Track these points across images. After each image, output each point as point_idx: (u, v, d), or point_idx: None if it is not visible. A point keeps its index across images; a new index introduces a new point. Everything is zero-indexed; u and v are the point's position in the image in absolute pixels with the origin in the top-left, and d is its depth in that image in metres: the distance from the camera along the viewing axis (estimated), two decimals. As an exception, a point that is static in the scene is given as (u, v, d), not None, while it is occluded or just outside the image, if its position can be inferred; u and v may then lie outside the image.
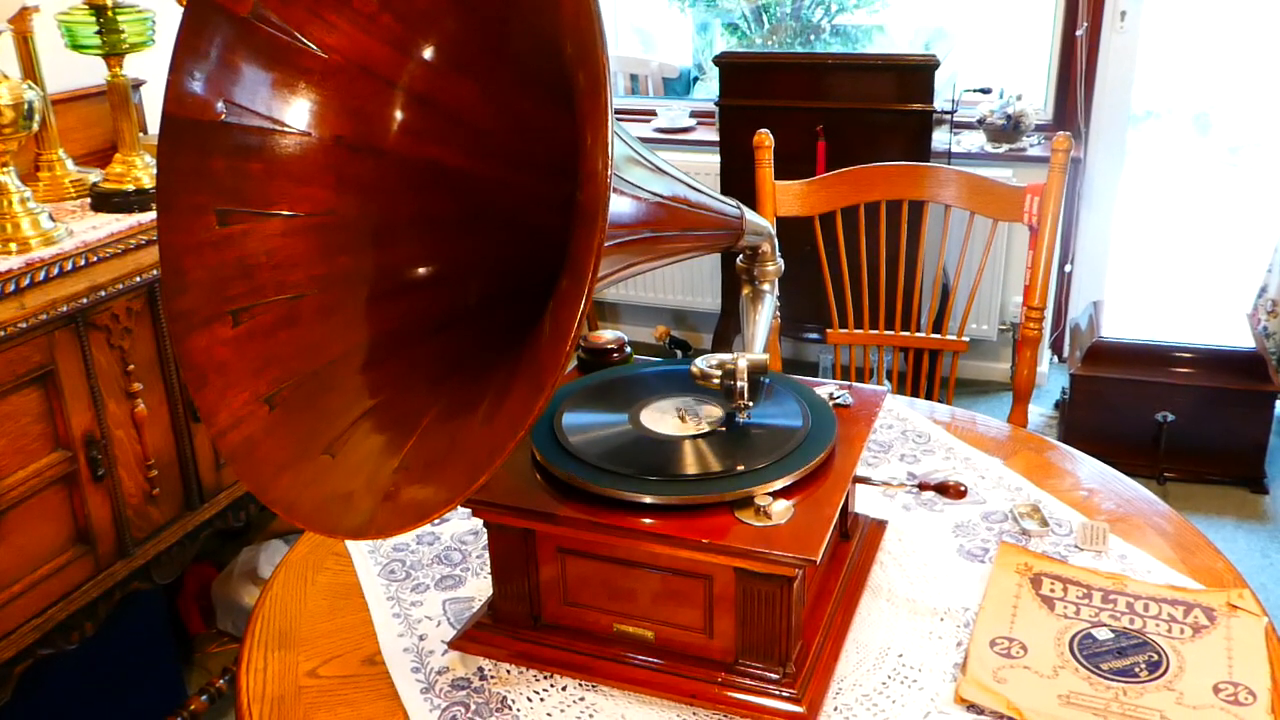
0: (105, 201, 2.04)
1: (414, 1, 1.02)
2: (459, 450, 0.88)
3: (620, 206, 0.95)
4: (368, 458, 0.96)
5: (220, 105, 1.02)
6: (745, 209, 1.22)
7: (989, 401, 3.64)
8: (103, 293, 1.78)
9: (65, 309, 1.71)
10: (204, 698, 2.24)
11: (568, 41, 0.83)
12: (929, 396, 1.97)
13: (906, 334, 2.04)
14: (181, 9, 1.02)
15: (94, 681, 2.11)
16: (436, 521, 1.38)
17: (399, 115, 1.08)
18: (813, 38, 4.39)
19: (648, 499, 1.02)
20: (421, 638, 1.18)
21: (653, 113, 4.11)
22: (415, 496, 0.88)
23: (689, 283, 3.98)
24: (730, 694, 1.04)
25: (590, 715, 1.05)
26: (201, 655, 2.48)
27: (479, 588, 1.26)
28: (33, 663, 1.76)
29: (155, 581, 1.98)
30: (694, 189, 1.11)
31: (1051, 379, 3.74)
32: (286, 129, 1.04)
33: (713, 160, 3.51)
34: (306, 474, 0.96)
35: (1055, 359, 3.85)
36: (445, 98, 1.08)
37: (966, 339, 1.99)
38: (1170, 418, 3.04)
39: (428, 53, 1.05)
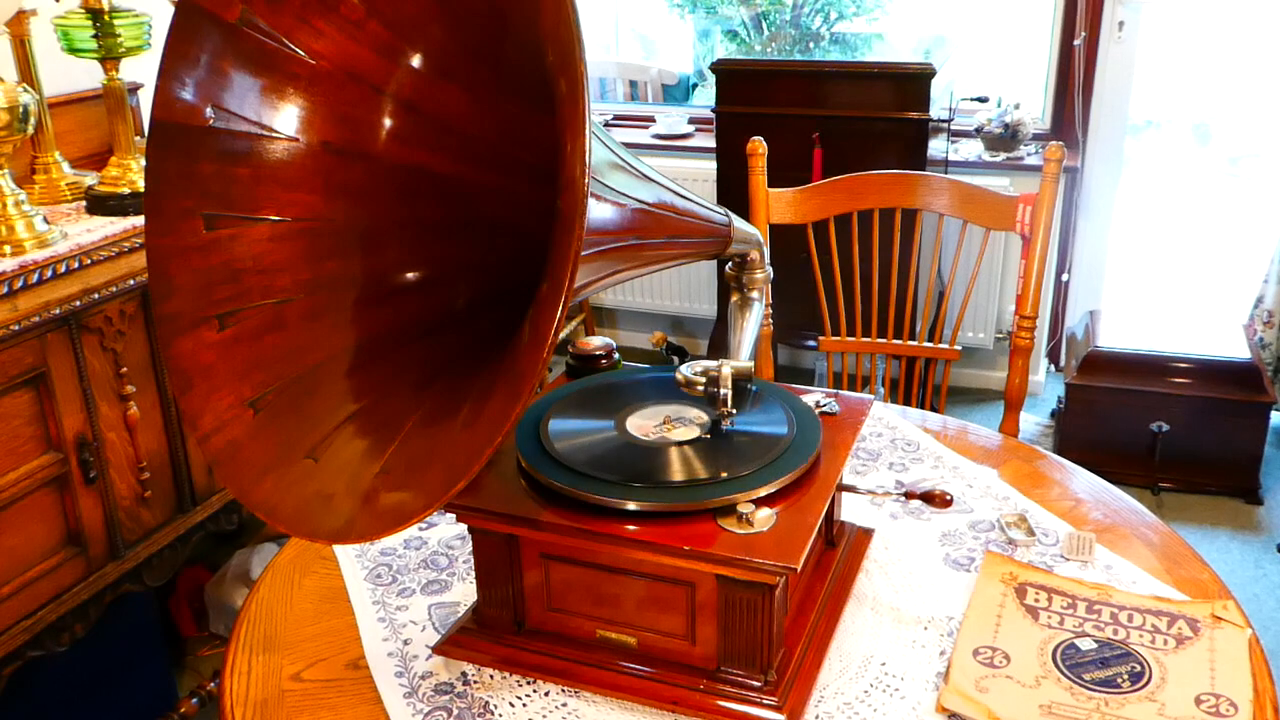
0: (100, 204, 2.04)
1: (401, 9, 1.03)
2: (439, 455, 0.89)
3: (601, 213, 0.95)
4: (350, 462, 0.96)
5: (208, 110, 1.02)
6: (734, 216, 1.22)
7: (985, 410, 3.64)
8: (96, 295, 1.78)
9: (58, 311, 1.72)
10: (194, 700, 2.24)
11: (549, 49, 0.83)
12: (923, 404, 1.97)
13: (899, 342, 2.04)
14: (173, 14, 1.02)
15: (84, 684, 2.11)
16: (423, 526, 1.39)
17: (387, 121, 1.08)
18: (812, 45, 4.40)
19: (631, 505, 1.02)
20: (406, 642, 1.18)
21: (651, 119, 4.12)
22: (394, 501, 0.88)
23: (686, 288, 3.99)
24: (712, 701, 1.04)
25: (572, 721, 1.05)
26: (193, 658, 2.48)
27: (465, 593, 1.26)
28: (22, 664, 1.76)
29: (146, 584, 1.98)
30: (681, 196, 1.11)
31: (1048, 388, 3.74)
32: (274, 134, 1.05)
33: (710, 167, 3.52)
34: (289, 478, 0.96)
35: (1051, 368, 3.85)
36: (433, 104, 1.08)
37: (959, 347, 2.00)
38: (1165, 428, 3.04)
39: (415, 59, 1.06)
